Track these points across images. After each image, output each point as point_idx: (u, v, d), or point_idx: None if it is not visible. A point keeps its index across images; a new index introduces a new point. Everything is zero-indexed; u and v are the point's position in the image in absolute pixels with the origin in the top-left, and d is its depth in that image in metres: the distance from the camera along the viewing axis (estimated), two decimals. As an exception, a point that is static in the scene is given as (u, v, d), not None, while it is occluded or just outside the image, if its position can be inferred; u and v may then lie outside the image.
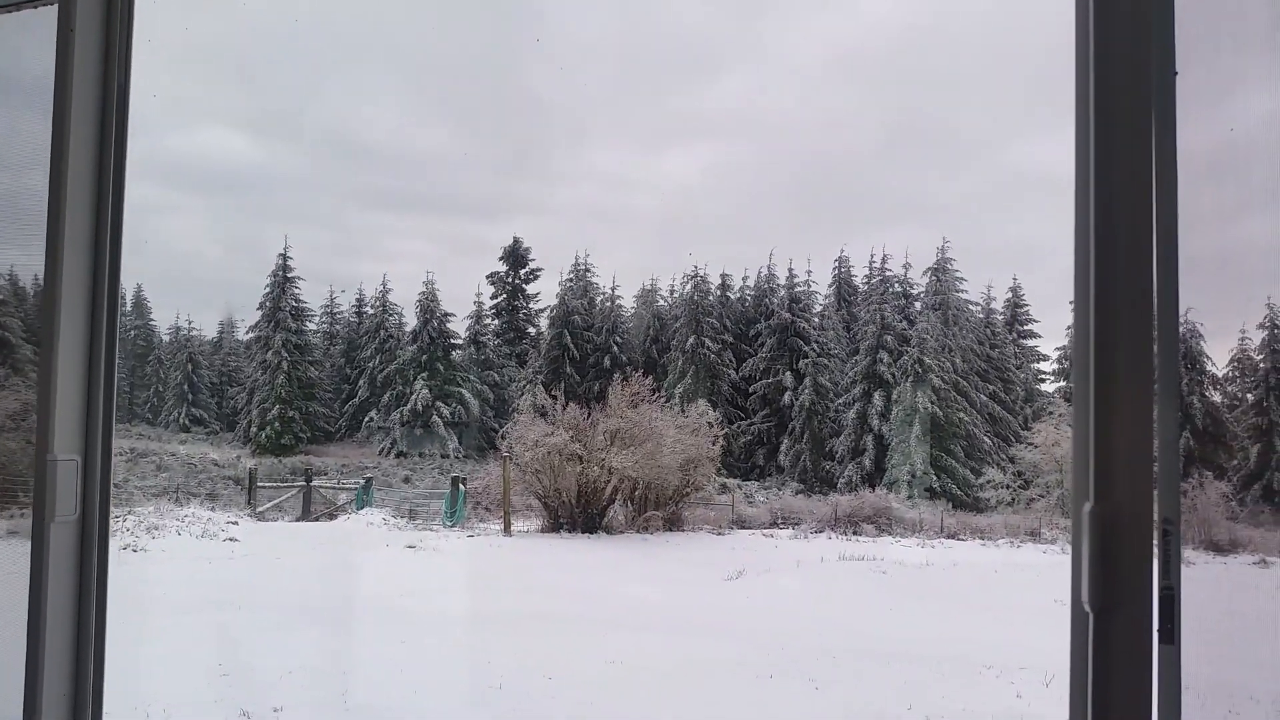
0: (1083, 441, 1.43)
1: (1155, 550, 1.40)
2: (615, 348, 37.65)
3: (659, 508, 19.81)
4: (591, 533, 18.76)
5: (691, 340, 35.91)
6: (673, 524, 19.91)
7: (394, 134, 41.41)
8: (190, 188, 40.81)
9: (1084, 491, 1.42)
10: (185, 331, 41.67)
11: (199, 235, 42.82)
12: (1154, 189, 1.48)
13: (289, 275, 37.79)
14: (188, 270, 43.33)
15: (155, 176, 34.00)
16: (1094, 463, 1.40)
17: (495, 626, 10.26)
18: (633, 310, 40.78)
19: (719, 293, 38.03)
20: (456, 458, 35.36)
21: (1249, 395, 23.76)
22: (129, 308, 42.28)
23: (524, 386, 37.04)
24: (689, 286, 37.69)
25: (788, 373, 35.20)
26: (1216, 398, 23.30)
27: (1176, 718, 1.39)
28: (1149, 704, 1.38)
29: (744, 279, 38.93)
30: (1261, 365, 23.40)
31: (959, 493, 30.19)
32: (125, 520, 15.71)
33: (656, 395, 22.17)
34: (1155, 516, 1.41)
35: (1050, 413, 28.84)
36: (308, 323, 39.29)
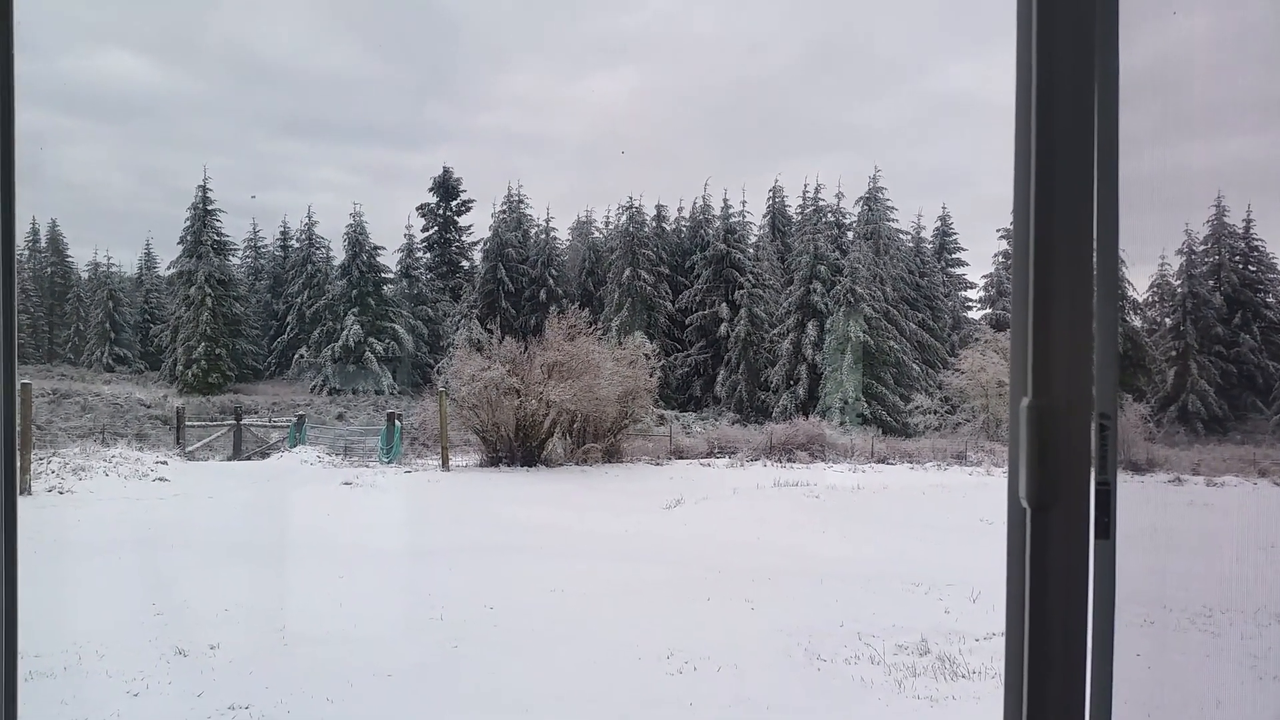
0: (1021, 336, 1.43)
1: (1093, 445, 1.42)
2: (551, 280, 37.37)
3: (597, 440, 19.90)
4: (531, 466, 18.79)
5: (627, 272, 35.79)
6: (611, 455, 20.04)
7: (298, 54, 39.86)
8: (88, 114, 38.93)
9: (1022, 387, 1.42)
10: (104, 268, 40.20)
11: (106, 165, 41.05)
12: (1095, 101, 1.46)
13: (209, 208, 36.55)
14: (99, 203, 41.64)
15: (51, 103, 32.36)
16: (1032, 357, 1.39)
17: (435, 560, 10.24)
18: (568, 242, 40.38)
19: (654, 224, 37.84)
20: (391, 394, 35.00)
21: (1167, 320, 24.59)
22: (43, 244, 40.61)
23: (459, 321, 36.66)
24: (624, 218, 37.43)
25: (723, 304, 35.39)
26: (1136, 322, 24.11)
27: (1111, 612, 1.43)
28: (1085, 599, 1.41)
29: (679, 210, 38.78)
30: (1179, 290, 24.19)
31: (889, 419, 30.90)
32: (50, 462, 15.27)
33: (593, 328, 22.12)
34: (1093, 411, 1.42)
35: (977, 339, 29.49)
36: (231, 256, 38.18)
